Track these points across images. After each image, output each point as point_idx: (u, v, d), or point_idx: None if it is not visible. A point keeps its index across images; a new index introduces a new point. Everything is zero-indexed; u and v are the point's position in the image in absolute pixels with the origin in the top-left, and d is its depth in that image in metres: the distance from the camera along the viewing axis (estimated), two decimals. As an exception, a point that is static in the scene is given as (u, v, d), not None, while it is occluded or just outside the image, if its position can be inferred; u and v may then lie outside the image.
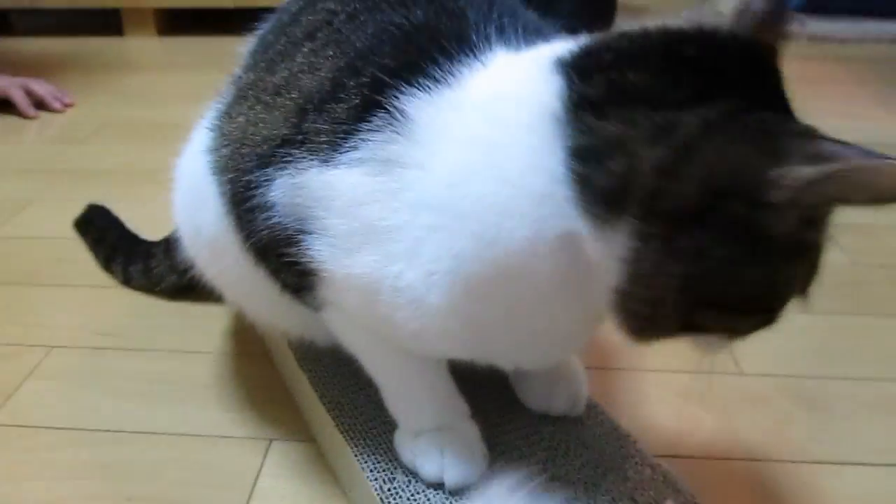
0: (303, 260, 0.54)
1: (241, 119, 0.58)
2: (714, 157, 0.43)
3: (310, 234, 0.53)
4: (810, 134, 0.44)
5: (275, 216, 0.54)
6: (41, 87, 1.67)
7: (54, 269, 1.04)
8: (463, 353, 0.57)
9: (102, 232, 1.06)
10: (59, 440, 0.74)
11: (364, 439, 0.64)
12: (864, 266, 1.05)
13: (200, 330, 0.91)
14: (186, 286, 0.93)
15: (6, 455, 0.72)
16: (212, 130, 0.62)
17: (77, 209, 1.09)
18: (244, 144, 0.56)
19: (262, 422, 0.76)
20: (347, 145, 0.50)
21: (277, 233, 0.54)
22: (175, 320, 0.93)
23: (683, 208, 0.43)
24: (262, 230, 0.55)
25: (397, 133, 0.50)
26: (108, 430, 0.75)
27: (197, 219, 0.65)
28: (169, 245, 0.95)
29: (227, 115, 0.61)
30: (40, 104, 1.66)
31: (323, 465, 0.71)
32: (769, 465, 0.71)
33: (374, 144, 0.50)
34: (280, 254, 0.55)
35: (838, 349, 0.89)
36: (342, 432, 0.65)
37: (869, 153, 0.41)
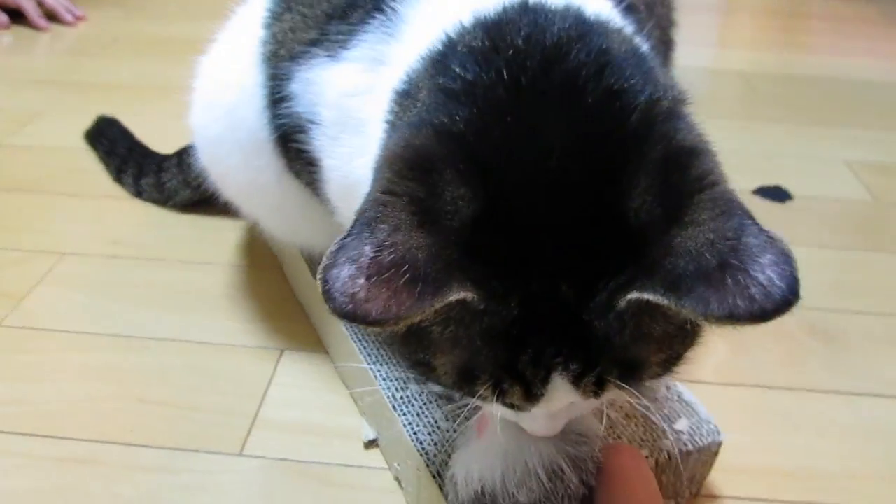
0: (308, 149, 0.57)
1: (284, 24, 0.60)
2: None
3: (314, 123, 0.56)
4: None
5: (294, 105, 0.57)
6: (52, -1, 1.63)
7: (66, 179, 1.03)
8: None
9: (113, 143, 1.04)
10: (70, 344, 0.74)
11: (377, 348, 0.64)
12: (886, 204, 1.03)
13: (213, 242, 0.90)
14: (199, 201, 0.93)
15: (18, 357, 0.72)
16: (264, 28, 0.62)
17: (88, 121, 1.08)
18: (283, 46, 0.59)
19: (274, 332, 0.76)
20: (351, 45, 0.53)
21: (294, 121, 0.57)
22: (188, 231, 0.92)
23: None
24: (285, 118, 0.58)
25: (389, 34, 0.51)
26: (118, 336, 0.75)
27: (235, 115, 0.64)
28: (182, 159, 0.93)
29: (276, 18, 0.62)
30: (51, 16, 1.63)
31: (334, 374, 0.70)
32: (783, 392, 0.71)
33: (369, 44, 0.52)
34: (295, 142, 0.58)
35: (856, 284, 0.88)
36: (355, 341, 0.64)
37: None
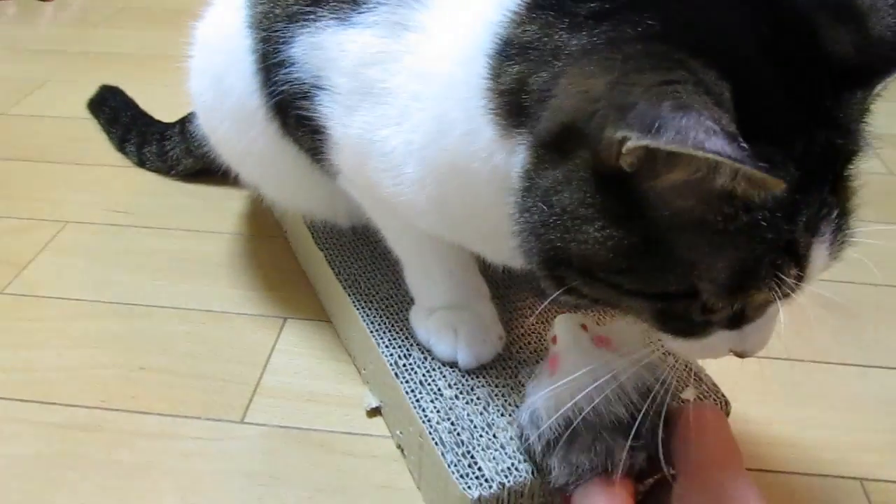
0: (314, 115, 0.54)
1: None
2: (568, 89, 0.38)
3: (321, 89, 0.53)
4: (675, 90, 0.34)
5: (294, 71, 0.54)
6: (57, -31, 1.62)
7: (68, 148, 1.02)
8: (443, 234, 0.55)
9: (115, 112, 1.03)
10: (71, 311, 0.73)
11: (380, 316, 0.63)
12: (901, 177, 1.02)
13: (216, 211, 0.89)
14: (202, 170, 0.92)
15: (20, 324, 0.72)
16: None
17: (92, 91, 1.07)
18: (277, 5, 0.56)
19: (277, 300, 0.75)
20: (364, 7, 0.49)
21: (295, 87, 0.54)
22: (190, 200, 0.91)
23: (546, 138, 0.39)
24: (283, 84, 0.55)
25: None
26: (120, 303, 0.74)
27: (224, 82, 0.62)
28: (185, 127, 0.92)
29: None
30: (56, -14, 1.61)
31: (337, 343, 0.70)
32: (794, 363, 0.70)
33: (388, 7, 0.48)
34: (297, 109, 0.55)
35: (869, 257, 0.86)
36: (358, 309, 0.64)
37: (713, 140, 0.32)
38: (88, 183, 0.95)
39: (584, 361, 0.48)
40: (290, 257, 0.81)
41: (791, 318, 0.73)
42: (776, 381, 0.68)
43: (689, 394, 0.56)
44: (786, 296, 0.39)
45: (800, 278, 0.39)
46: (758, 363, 0.69)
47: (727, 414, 0.56)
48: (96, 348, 0.69)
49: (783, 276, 0.38)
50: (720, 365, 0.65)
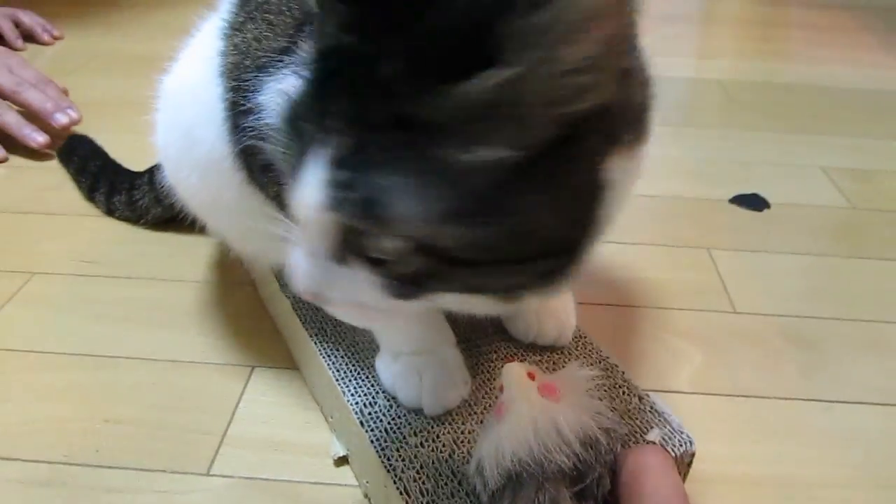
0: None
1: (248, 35, 0.59)
2: None
3: None
4: None
5: (261, 118, 0.55)
6: (29, 18, 1.62)
7: (38, 197, 1.01)
8: None
9: (85, 161, 1.03)
10: (36, 363, 0.73)
11: (346, 364, 0.63)
12: (862, 210, 1.03)
13: (184, 259, 0.89)
14: (171, 219, 0.92)
15: (-17, 377, 0.71)
16: (222, 39, 0.61)
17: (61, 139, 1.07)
18: (248, 56, 0.57)
19: (245, 349, 0.75)
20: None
21: (261, 133, 0.55)
22: (158, 249, 0.91)
23: None
24: (251, 131, 0.56)
25: None
26: (86, 354, 0.73)
27: (193, 133, 0.63)
28: (153, 176, 0.92)
29: (237, 28, 0.61)
30: (28, 36, 1.62)
31: (305, 391, 0.69)
32: (759, 400, 0.70)
33: None
34: (262, 155, 0.56)
35: (833, 290, 0.88)
36: (324, 356, 0.64)
37: None
38: (57, 232, 0.94)
39: (527, 410, 0.48)
40: (259, 305, 0.81)
41: (757, 355, 0.74)
42: (742, 419, 0.68)
43: (653, 435, 0.56)
44: None
45: None
46: (724, 401, 0.70)
47: (692, 455, 0.56)
48: (60, 401, 0.68)
49: None
50: (685, 403, 0.65)
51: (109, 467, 0.62)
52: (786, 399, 0.70)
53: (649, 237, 0.95)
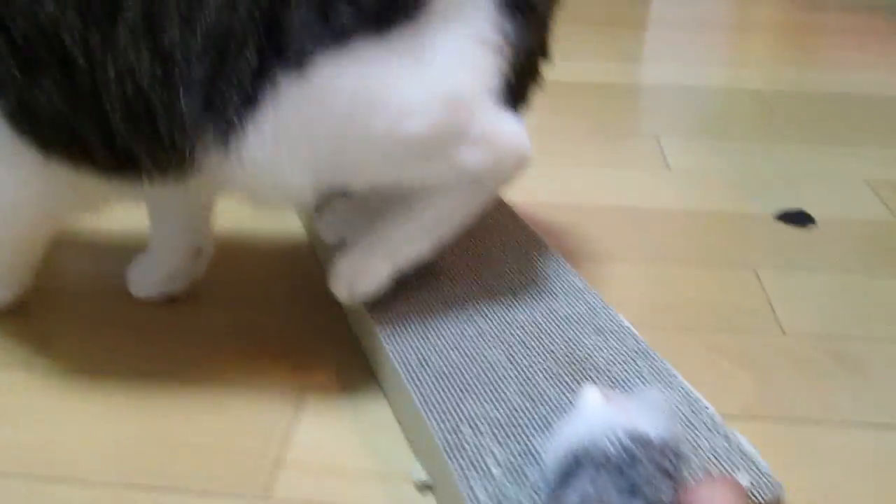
0: None
1: None
2: None
3: None
4: None
5: None
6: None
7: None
8: None
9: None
10: (94, 384, 0.74)
11: (431, 386, 0.65)
12: (908, 224, 1.02)
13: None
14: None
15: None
16: None
17: None
18: None
19: (301, 370, 0.76)
20: None
21: None
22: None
23: None
24: None
25: None
26: (145, 376, 0.75)
27: None
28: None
29: None
30: None
31: (366, 415, 0.70)
32: (810, 426, 0.69)
33: None
34: None
35: (881, 311, 0.87)
36: (408, 381, 0.65)
37: None
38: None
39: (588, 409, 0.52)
40: (317, 325, 0.82)
41: (806, 378, 0.74)
42: (793, 444, 0.68)
43: (743, 480, 0.55)
44: None
45: None
46: (774, 426, 0.69)
47: (779, 502, 0.56)
48: (119, 423, 0.69)
49: None
50: (738, 429, 0.65)
51: (168, 489, 0.63)
52: (838, 423, 0.70)
53: (693, 255, 0.95)
